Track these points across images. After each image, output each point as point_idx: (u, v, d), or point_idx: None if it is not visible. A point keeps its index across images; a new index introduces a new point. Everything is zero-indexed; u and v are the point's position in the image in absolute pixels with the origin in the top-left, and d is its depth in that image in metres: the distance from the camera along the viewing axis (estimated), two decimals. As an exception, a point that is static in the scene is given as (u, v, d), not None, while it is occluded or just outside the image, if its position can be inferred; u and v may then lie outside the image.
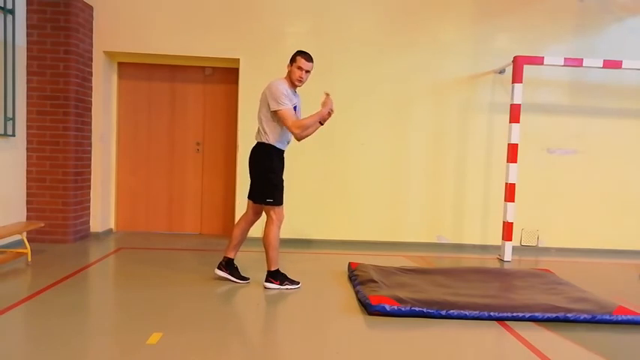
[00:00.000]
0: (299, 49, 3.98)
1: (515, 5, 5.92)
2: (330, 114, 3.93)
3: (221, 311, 3.57)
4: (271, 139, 3.89)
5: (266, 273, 4.00)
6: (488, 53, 5.91)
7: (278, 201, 3.93)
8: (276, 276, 3.99)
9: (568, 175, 6.04)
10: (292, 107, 3.88)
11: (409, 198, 6.00)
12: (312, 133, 3.97)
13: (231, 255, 4.11)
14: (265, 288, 3.96)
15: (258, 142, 3.95)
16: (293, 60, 3.90)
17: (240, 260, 4.20)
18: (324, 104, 3.91)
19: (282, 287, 3.96)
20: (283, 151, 4.01)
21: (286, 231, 5.84)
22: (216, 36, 5.76)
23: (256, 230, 4.32)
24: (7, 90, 4.88)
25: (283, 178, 4.01)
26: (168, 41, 5.71)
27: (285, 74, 3.96)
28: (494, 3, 5.93)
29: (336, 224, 5.95)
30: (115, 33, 5.72)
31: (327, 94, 3.94)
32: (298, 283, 4.04)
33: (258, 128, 3.95)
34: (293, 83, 3.92)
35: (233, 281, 4.07)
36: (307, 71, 3.89)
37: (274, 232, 3.92)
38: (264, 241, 3.94)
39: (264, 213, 4.07)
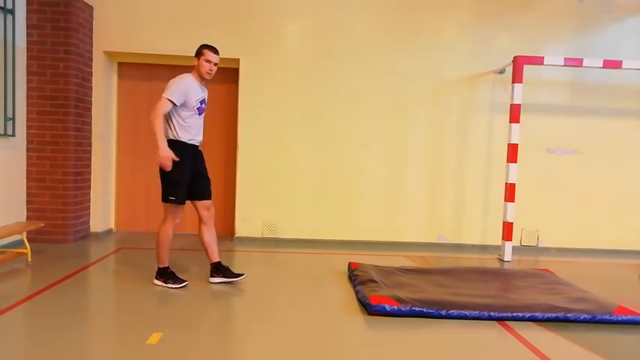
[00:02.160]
0: (203, 43, 3.95)
1: (515, 5, 5.92)
2: (163, 163, 3.72)
3: (221, 311, 3.58)
4: (179, 133, 3.81)
5: (156, 270, 3.96)
6: (488, 53, 5.91)
7: (180, 199, 3.84)
8: (163, 274, 3.93)
9: (568, 176, 6.04)
10: (197, 103, 3.87)
11: (409, 198, 5.99)
12: (154, 126, 3.71)
13: (215, 259, 4.08)
14: (154, 284, 3.93)
15: (167, 140, 3.79)
16: (200, 54, 3.88)
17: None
18: (168, 162, 3.71)
19: (166, 285, 3.89)
20: (195, 146, 3.91)
21: (287, 231, 5.91)
22: (216, 36, 5.74)
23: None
24: (7, 90, 4.88)
25: (200, 175, 3.95)
26: (169, 41, 5.71)
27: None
28: (494, 3, 5.92)
29: (336, 224, 5.95)
30: (115, 33, 5.72)
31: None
32: (184, 281, 3.93)
33: (165, 125, 3.80)
34: (202, 77, 3.92)
35: (230, 282, 4.07)
36: (215, 64, 3.92)
37: (167, 231, 3.86)
38: (156, 238, 3.89)
39: (205, 207, 3.99)
